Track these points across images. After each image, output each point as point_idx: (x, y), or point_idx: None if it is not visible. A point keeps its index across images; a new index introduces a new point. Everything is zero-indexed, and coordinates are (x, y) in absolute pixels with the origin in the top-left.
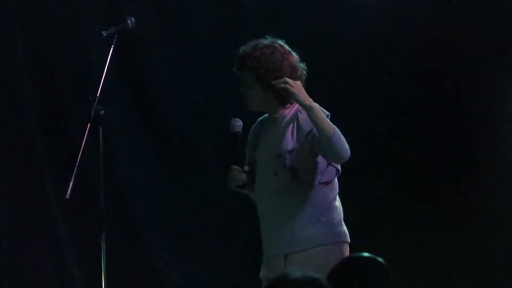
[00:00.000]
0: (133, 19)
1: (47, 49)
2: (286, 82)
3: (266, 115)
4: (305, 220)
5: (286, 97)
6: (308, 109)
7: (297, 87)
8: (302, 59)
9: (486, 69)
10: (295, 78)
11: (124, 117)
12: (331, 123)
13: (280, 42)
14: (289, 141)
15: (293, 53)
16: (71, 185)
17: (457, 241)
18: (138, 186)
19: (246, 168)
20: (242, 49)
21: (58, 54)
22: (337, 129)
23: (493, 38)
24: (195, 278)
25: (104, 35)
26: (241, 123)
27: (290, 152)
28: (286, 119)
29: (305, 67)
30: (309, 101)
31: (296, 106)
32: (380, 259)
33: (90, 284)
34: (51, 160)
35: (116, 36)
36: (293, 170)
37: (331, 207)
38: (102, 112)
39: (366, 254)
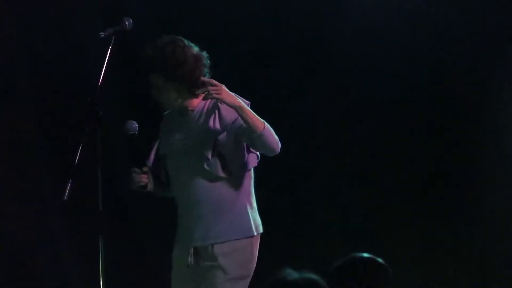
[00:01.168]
0: (131, 20)
1: (45, 50)
2: (211, 90)
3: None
4: (234, 210)
5: (199, 88)
6: (238, 110)
7: (222, 90)
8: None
9: (489, 69)
10: (201, 66)
11: (122, 117)
12: (260, 118)
13: (178, 37)
14: (214, 132)
15: (193, 45)
16: (69, 186)
17: (460, 241)
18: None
19: (145, 169)
20: (143, 53)
21: (56, 55)
22: (266, 124)
23: (497, 37)
24: None
25: (101, 36)
26: (136, 125)
27: (216, 143)
28: (204, 111)
29: (207, 54)
30: (237, 101)
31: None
32: (380, 260)
33: (88, 284)
34: (49, 161)
35: (113, 37)
36: (222, 160)
37: (251, 196)
38: (100, 113)
39: (366, 254)
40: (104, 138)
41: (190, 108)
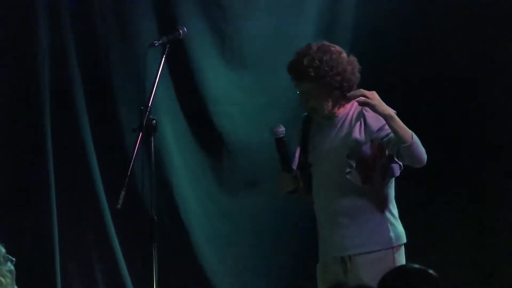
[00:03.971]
0: (185, 29)
1: (100, 59)
2: (364, 96)
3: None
4: (375, 220)
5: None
6: (388, 119)
7: (374, 97)
8: None
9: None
10: (356, 72)
11: (176, 127)
12: (408, 129)
13: (327, 43)
14: (359, 140)
15: (343, 50)
16: (122, 194)
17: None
18: (189, 194)
19: (295, 172)
20: (297, 60)
21: (110, 64)
22: (414, 135)
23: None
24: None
25: (156, 45)
26: (283, 129)
27: (360, 152)
28: (349, 117)
29: (354, 57)
30: (388, 110)
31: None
32: (431, 271)
33: None
34: (103, 169)
35: (168, 45)
36: (365, 171)
37: (394, 205)
38: (154, 121)
39: (417, 265)
40: (158, 146)
41: (336, 113)
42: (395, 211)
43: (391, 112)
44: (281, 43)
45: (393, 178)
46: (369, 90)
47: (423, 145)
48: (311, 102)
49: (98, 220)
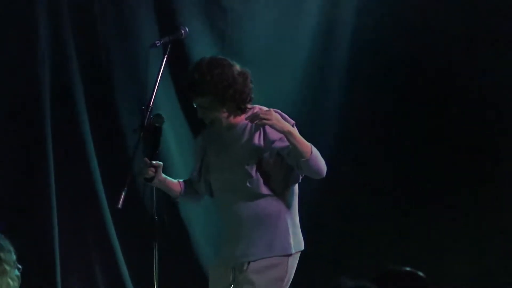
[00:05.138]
0: (187, 29)
1: (100, 59)
2: (260, 118)
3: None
4: (276, 227)
5: (247, 102)
6: (287, 135)
7: (272, 116)
8: None
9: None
10: (249, 83)
11: (176, 127)
12: (307, 143)
13: (219, 57)
14: (258, 149)
15: (235, 63)
16: (123, 194)
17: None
18: None
19: (155, 163)
20: (189, 76)
21: (110, 64)
22: (314, 149)
23: None
24: None
25: (157, 44)
26: (164, 119)
27: (260, 161)
28: (249, 126)
29: (248, 69)
30: (286, 126)
31: (257, 110)
32: (420, 273)
33: None
34: (103, 169)
35: (170, 45)
36: (265, 178)
37: (294, 213)
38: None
39: (407, 268)
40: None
41: (235, 123)
42: (296, 218)
43: (290, 128)
44: (281, 43)
45: (295, 186)
46: (368, 90)
47: (423, 145)
48: (208, 114)
49: (98, 220)
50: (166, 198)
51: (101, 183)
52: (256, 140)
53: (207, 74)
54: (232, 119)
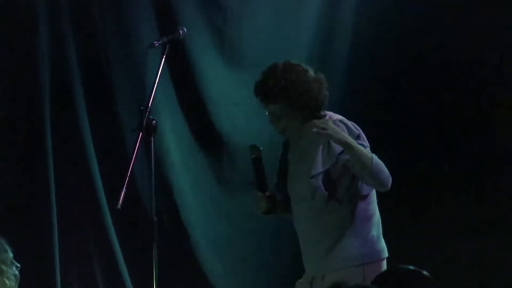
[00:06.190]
0: (185, 29)
1: (100, 59)
2: (317, 125)
3: None
4: (345, 238)
5: (322, 110)
6: (344, 146)
7: (328, 126)
8: None
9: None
10: (323, 90)
11: (175, 127)
12: (368, 154)
13: (295, 62)
14: (324, 161)
15: (309, 68)
16: (122, 194)
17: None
18: (189, 194)
19: (268, 193)
20: (263, 82)
21: (110, 64)
22: (375, 160)
23: None
24: None
25: (156, 45)
26: (260, 149)
27: (325, 173)
28: (317, 136)
29: (322, 74)
30: (343, 137)
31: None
32: (425, 272)
33: None
34: (103, 170)
35: (168, 46)
36: (330, 191)
37: (370, 222)
38: (154, 122)
39: (411, 266)
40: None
41: (306, 133)
42: (374, 226)
43: (347, 139)
44: (281, 43)
45: (371, 193)
46: (369, 89)
47: (423, 145)
48: (280, 123)
49: (98, 220)
50: (166, 198)
51: (101, 183)
52: (320, 151)
53: (281, 79)
54: (305, 128)
